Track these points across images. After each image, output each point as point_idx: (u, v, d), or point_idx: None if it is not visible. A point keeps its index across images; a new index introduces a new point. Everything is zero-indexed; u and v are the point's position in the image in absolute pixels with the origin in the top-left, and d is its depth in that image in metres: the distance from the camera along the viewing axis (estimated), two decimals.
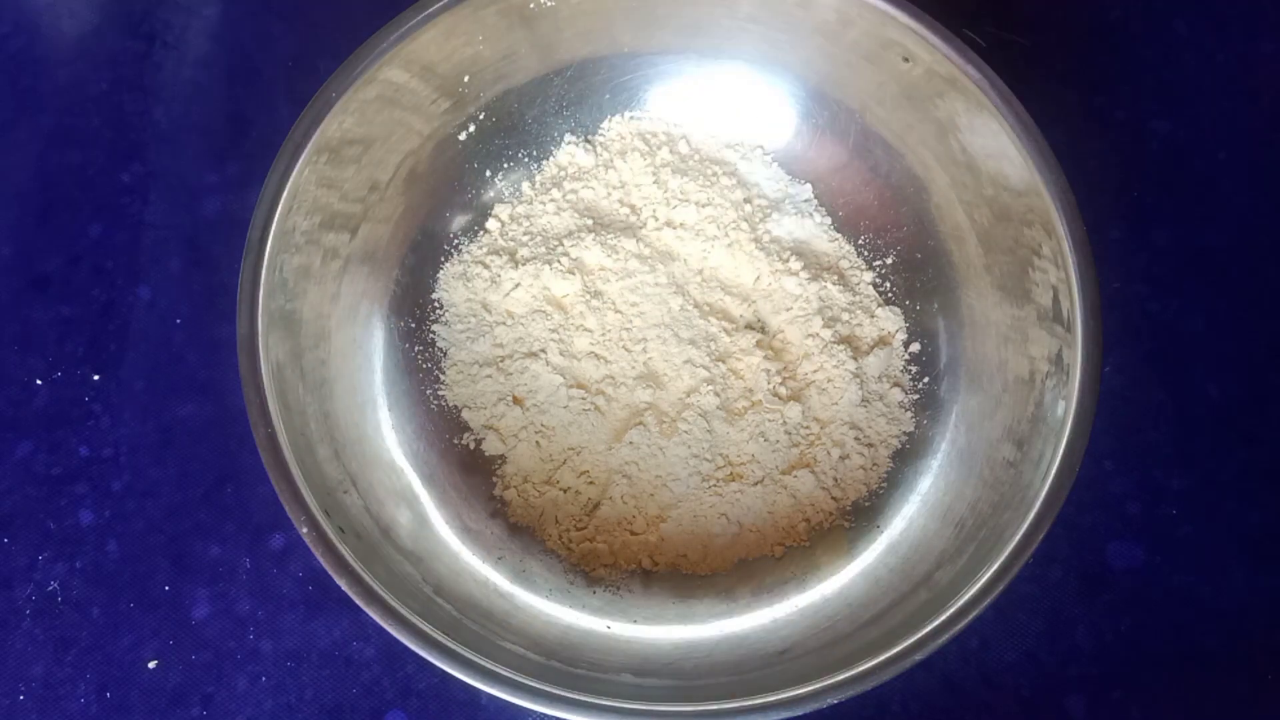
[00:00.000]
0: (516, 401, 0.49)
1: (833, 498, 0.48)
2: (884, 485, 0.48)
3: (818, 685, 0.39)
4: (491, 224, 0.52)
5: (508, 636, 0.43)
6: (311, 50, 0.58)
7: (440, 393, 0.50)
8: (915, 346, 0.50)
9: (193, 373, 0.52)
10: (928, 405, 0.49)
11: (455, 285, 0.51)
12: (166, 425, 0.52)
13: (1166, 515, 0.50)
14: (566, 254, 0.50)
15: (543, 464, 0.48)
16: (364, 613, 0.39)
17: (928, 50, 0.44)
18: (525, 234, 0.52)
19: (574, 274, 0.50)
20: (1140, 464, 0.51)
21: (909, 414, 0.49)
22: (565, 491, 0.48)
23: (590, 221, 0.51)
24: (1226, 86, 0.57)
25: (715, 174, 0.52)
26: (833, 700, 0.38)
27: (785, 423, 0.48)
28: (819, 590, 0.46)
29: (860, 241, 0.52)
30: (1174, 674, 0.48)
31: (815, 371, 0.49)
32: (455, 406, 0.50)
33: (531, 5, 0.47)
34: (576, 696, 0.39)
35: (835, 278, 0.51)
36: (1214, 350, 0.52)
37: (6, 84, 0.58)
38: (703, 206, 0.51)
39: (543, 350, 0.49)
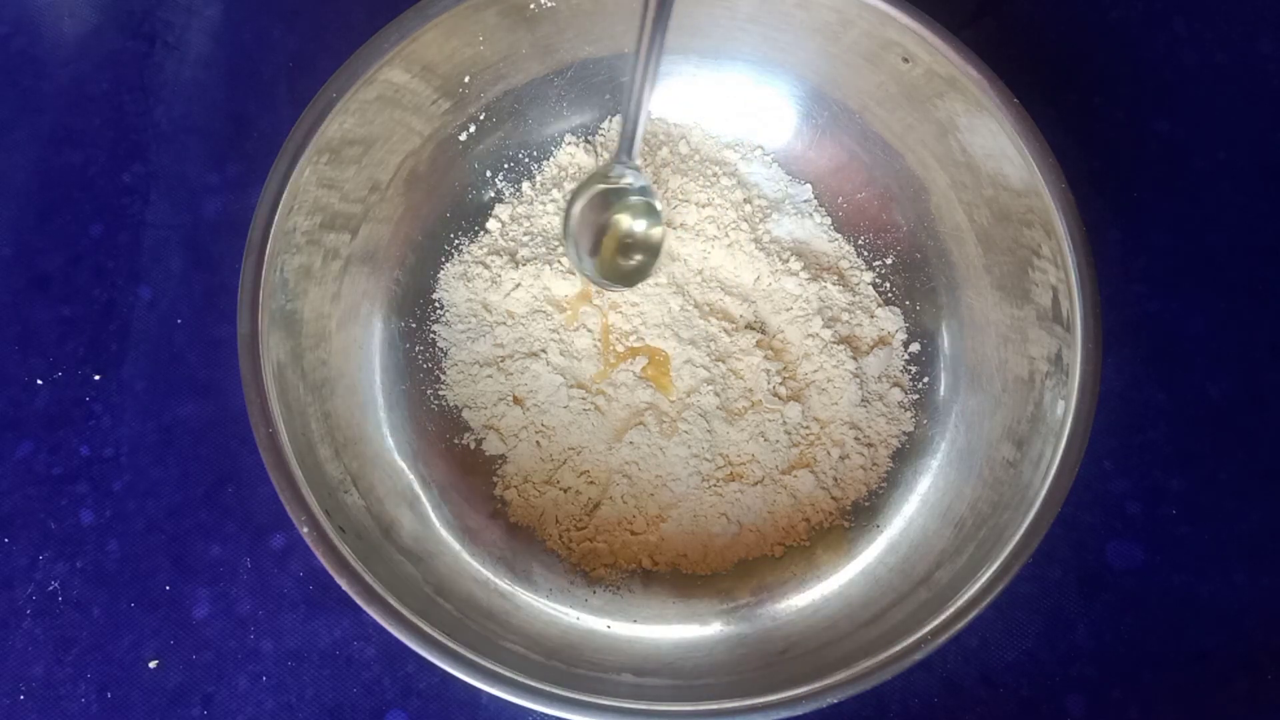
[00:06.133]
0: (517, 401, 0.49)
1: (833, 497, 0.48)
2: (884, 485, 0.48)
3: (817, 685, 0.39)
4: (492, 224, 0.52)
5: (508, 636, 0.43)
6: (312, 50, 0.58)
7: (441, 393, 0.50)
8: (915, 346, 0.50)
9: (193, 373, 0.52)
10: (928, 405, 0.49)
11: (456, 285, 0.51)
12: (167, 425, 0.52)
13: (1166, 515, 0.50)
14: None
15: (543, 464, 0.48)
16: (365, 612, 0.39)
17: (928, 50, 0.44)
18: (525, 234, 0.52)
19: (574, 274, 0.50)
20: (1140, 464, 0.51)
21: (909, 414, 0.49)
22: (565, 491, 0.48)
23: None
24: (1226, 86, 0.57)
25: (715, 174, 0.52)
26: (832, 700, 0.38)
27: (785, 423, 0.48)
28: (819, 590, 0.46)
29: (860, 241, 0.52)
30: (1174, 674, 0.48)
31: (815, 371, 0.49)
32: (456, 406, 0.50)
33: (532, 6, 0.47)
34: (576, 696, 0.39)
35: (835, 278, 0.51)
36: (1214, 350, 0.52)
37: (7, 84, 0.58)
38: (703, 207, 0.51)
39: (543, 350, 0.49)
